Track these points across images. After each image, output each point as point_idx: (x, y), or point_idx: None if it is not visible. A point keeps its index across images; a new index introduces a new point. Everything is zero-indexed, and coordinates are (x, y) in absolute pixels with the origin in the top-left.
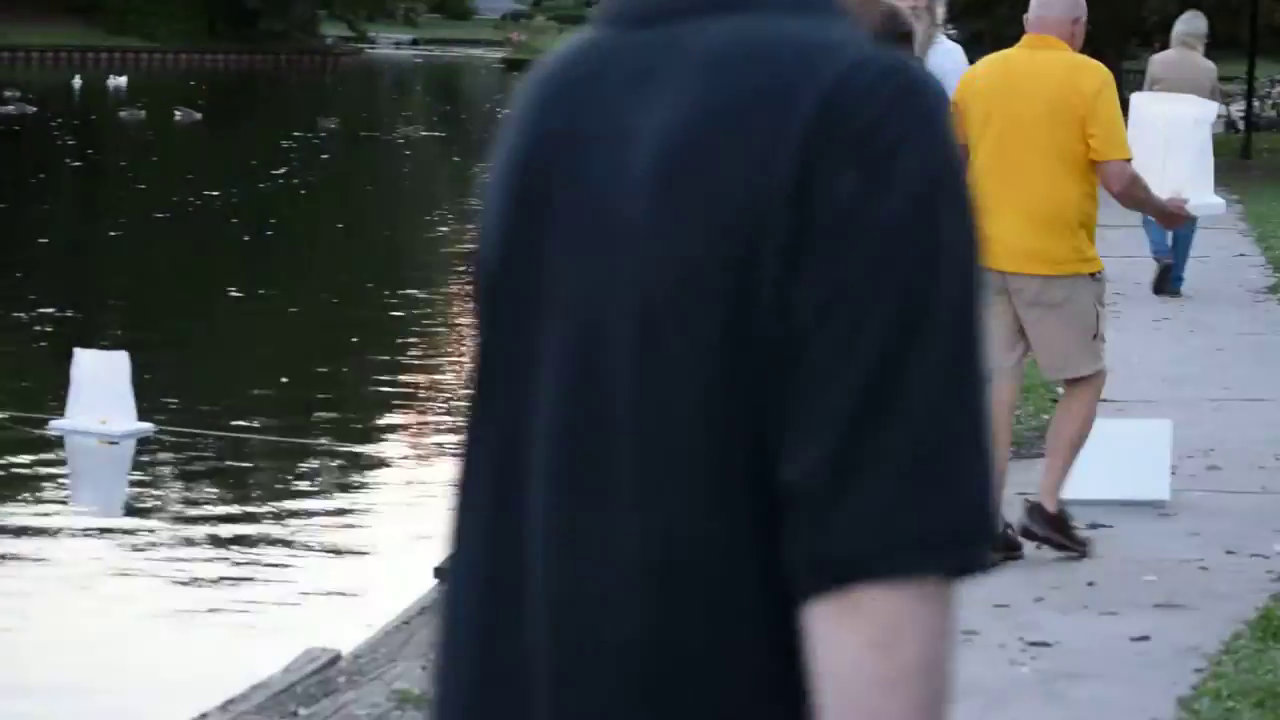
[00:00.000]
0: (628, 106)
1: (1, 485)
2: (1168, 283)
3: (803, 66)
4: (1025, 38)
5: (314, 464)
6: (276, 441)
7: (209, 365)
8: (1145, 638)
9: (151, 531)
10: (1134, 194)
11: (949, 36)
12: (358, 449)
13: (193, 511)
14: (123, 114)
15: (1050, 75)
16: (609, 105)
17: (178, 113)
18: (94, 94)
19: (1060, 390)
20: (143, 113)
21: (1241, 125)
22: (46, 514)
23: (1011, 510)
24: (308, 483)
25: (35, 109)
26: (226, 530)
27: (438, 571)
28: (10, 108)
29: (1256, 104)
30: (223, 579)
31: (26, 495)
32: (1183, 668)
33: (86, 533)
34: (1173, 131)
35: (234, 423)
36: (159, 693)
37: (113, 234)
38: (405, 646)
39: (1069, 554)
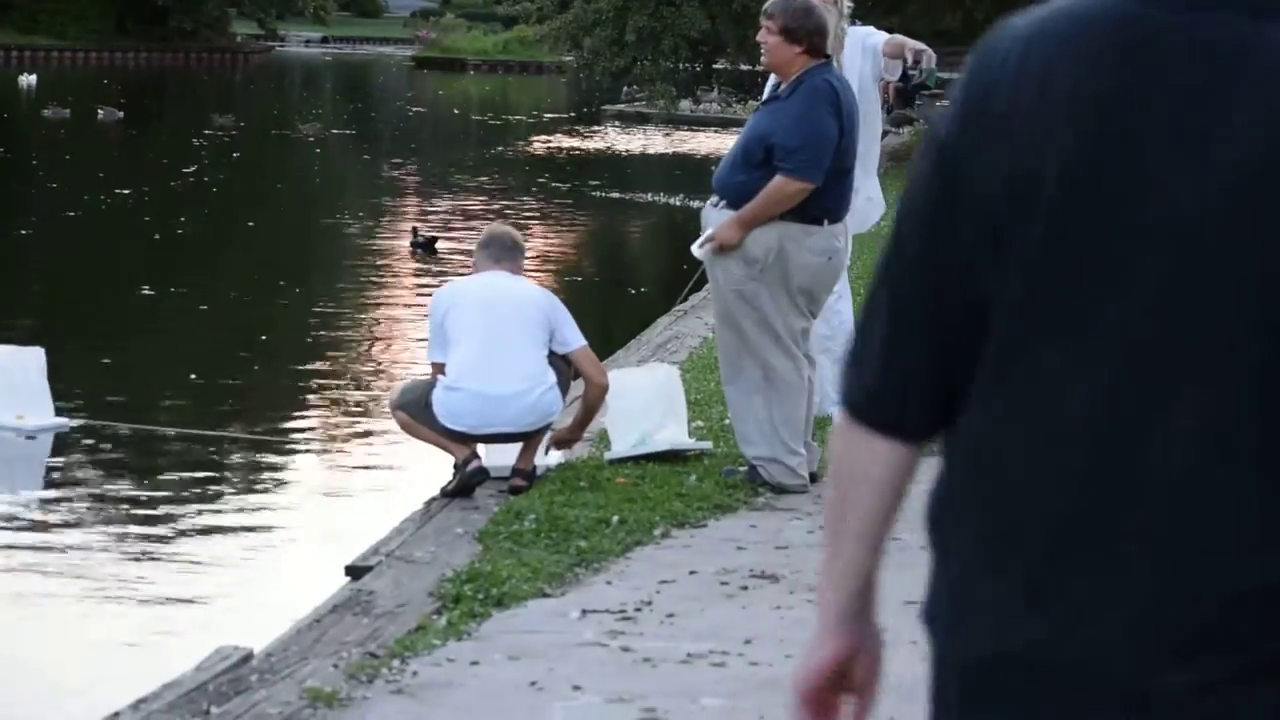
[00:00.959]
0: (1196, 101)
1: None
2: None
3: None
4: None
5: (226, 461)
6: (189, 438)
7: (122, 362)
8: None
9: (65, 527)
10: None
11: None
12: (269, 446)
13: (106, 508)
14: (47, 112)
15: None
16: (1175, 94)
17: (100, 111)
18: (7, 92)
19: None
20: (67, 111)
21: None
22: None
23: None
24: (220, 480)
25: None
26: (139, 527)
27: (349, 569)
28: None
29: None
30: (135, 576)
31: None
32: None
33: (0, 528)
34: None
35: (147, 419)
36: (69, 691)
37: (24, 232)
38: (317, 644)
39: None
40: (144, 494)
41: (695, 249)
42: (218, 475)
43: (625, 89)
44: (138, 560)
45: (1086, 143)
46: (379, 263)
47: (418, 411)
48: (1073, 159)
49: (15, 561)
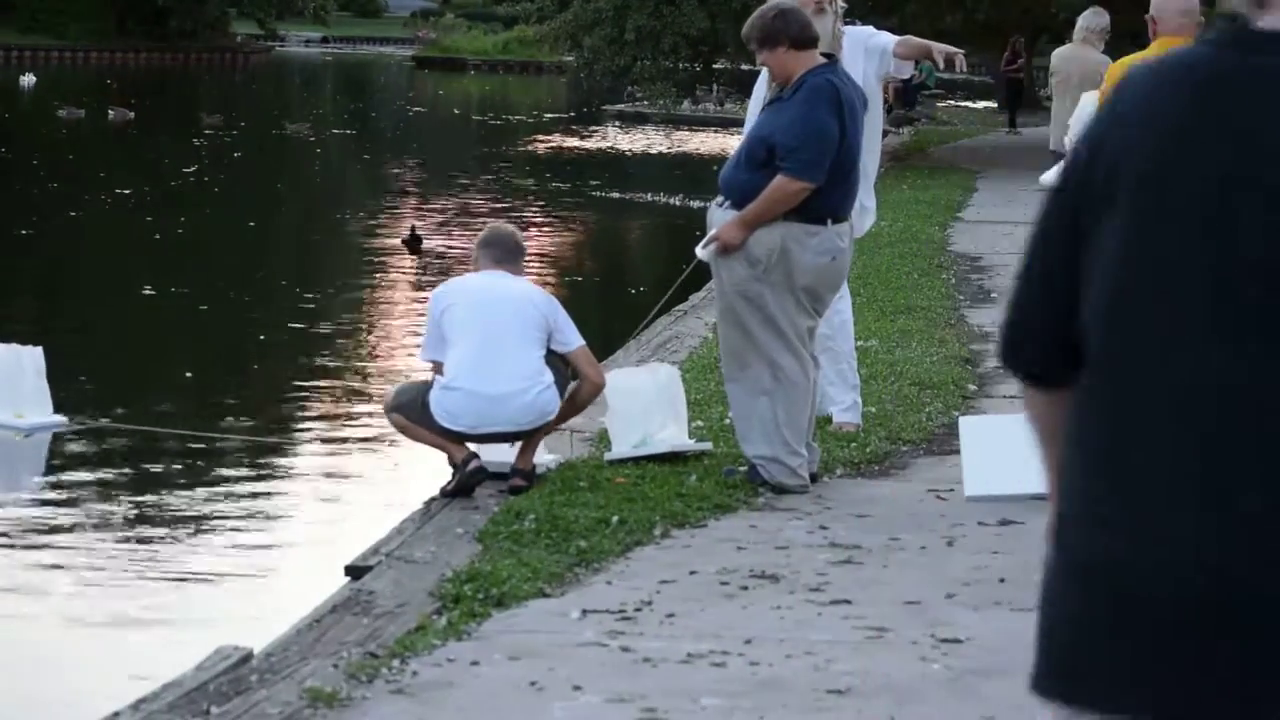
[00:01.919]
0: (1248, 130)
1: None
2: None
3: None
4: (1175, 41)
5: (225, 461)
6: (189, 437)
7: (122, 362)
8: None
9: (64, 527)
10: None
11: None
12: (270, 446)
13: (105, 507)
14: (61, 113)
15: None
16: (1225, 123)
17: (111, 112)
18: (8, 93)
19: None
20: (82, 111)
21: None
22: None
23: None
24: (219, 480)
25: None
26: (138, 527)
27: (349, 570)
28: None
29: None
30: (134, 576)
31: None
32: None
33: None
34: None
35: (147, 419)
36: (69, 692)
37: (25, 232)
38: (317, 644)
39: None
40: (143, 494)
41: (699, 250)
42: (217, 475)
43: (626, 89)
44: (137, 560)
45: (1158, 149)
46: (379, 263)
47: (413, 413)
48: (1145, 164)
49: (14, 561)
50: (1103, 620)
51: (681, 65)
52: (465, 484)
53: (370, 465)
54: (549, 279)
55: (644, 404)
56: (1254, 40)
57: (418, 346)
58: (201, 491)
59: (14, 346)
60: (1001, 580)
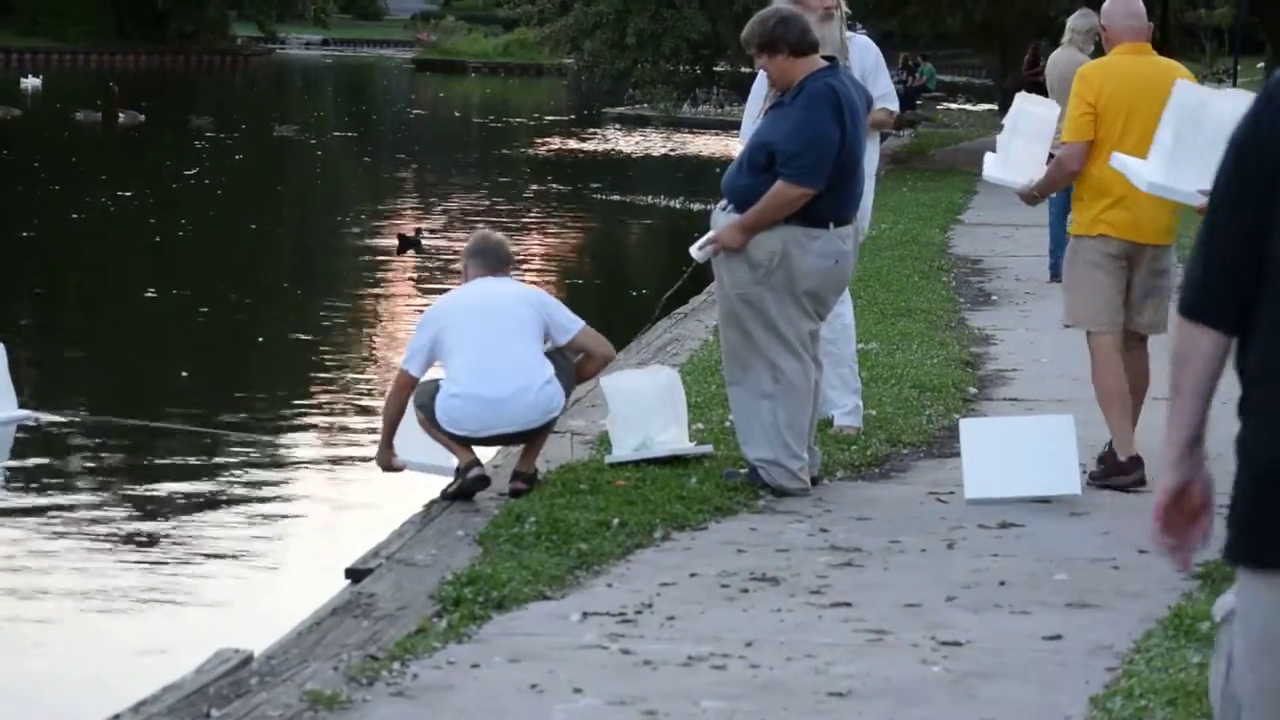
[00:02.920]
0: None
1: None
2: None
3: None
4: (1128, 45)
5: (226, 463)
6: (191, 436)
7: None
8: (1057, 636)
9: (64, 529)
10: None
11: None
12: (270, 448)
13: (105, 509)
14: (79, 115)
15: (1166, 76)
16: None
17: (121, 115)
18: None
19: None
20: (99, 115)
21: None
22: None
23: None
24: (220, 482)
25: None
26: (138, 527)
27: (349, 572)
28: None
29: None
30: (135, 578)
31: None
32: (1095, 667)
33: None
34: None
35: (146, 418)
36: (69, 695)
37: (25, 234)
38: (317, 647)
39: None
40: (143, 495)
41: (694, 250)
42: (218, 477)
43: (627, 92)
44: (137, 562)
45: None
46: (380, 265)
47: (430, 413)
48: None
49: (14, 564)
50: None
51: (682, 68)
52: (465, 489)
53: (371, 467)
54: (550, 281)
55: (645, 407)
56: None
57: None
58: (202, 493)
59: None
60: (1002, 583)
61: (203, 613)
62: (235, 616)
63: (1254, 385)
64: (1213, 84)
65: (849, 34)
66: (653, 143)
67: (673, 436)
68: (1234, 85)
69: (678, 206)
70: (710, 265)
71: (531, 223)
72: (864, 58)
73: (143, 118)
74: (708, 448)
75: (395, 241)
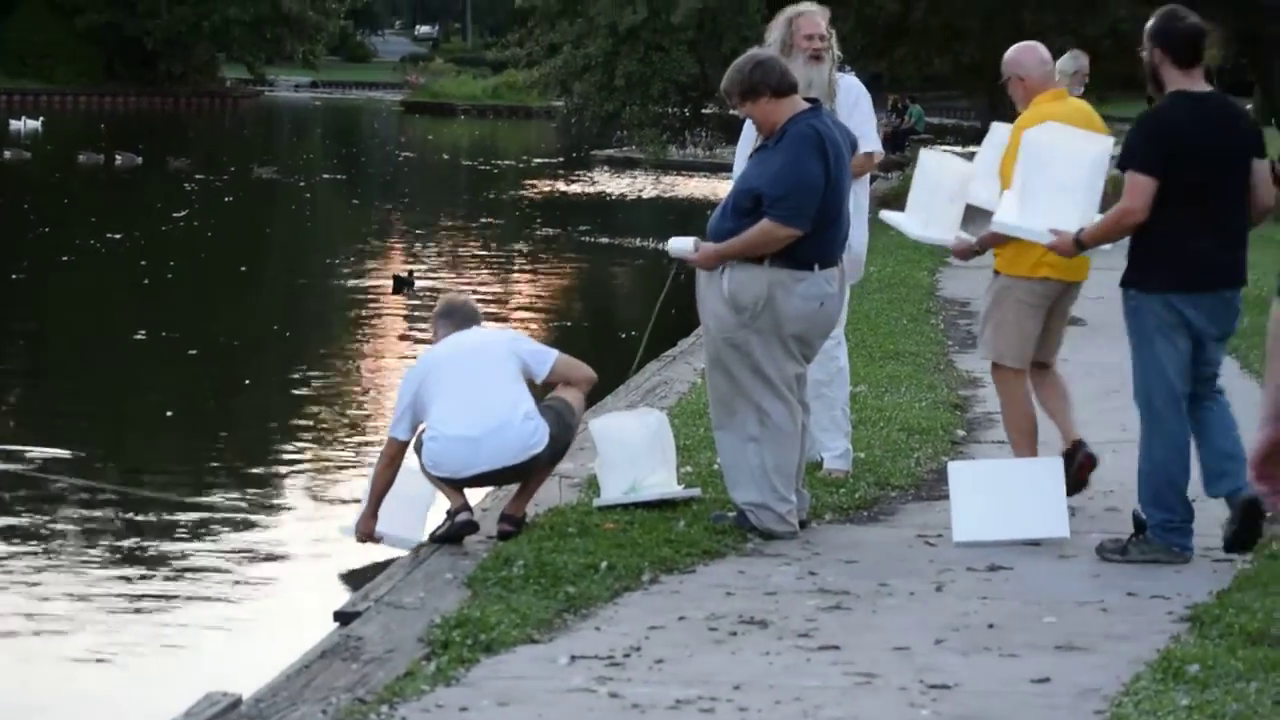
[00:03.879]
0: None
1: None
2: None
3: None
4: (1051, 93)
5: (214, 505)
6: (176, 482)
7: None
8: (1046, 679)
9: (52, 572)
10: None
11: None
12: (259, 491)
13: (93, 552)
14: (81, 158)
15: (1091, 117)
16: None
17: (119, 157)
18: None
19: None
20: (101, 157)
21: None
22: None
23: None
24: (208, 524)
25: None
26: (125, 571)
27: (338, 615)
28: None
29: None
30: (123, 622)
31: None
32: (1084, 709)
33: None
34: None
35: (135, 462)
36: None
37: (15, 276)
38: (306, 690)
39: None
40: (132, 538)
41: (671, 242)
42: (206, 519)
43: (616, 134)
44: (124, 606)
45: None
46: (368, 308)
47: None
48: None
49: (2, 609)
50: None
51: (671, 110)
52: (453, 534)
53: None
54: (538, 324)
55: (633, 450)
56: None
57: None
58: (190, 536)
59: None
60: (990, 626)
61: (191, 656)
62: (223, 659)
63: None
64: None
65: (836, 74)
66: (641, 185)
67: (661, 480)
68: None
69: (666, 249)
70: (696, 304)
71: (521, 265)
72: (844, 99)
73: (140, 160)
74: (696, 491)
75: (385, 283)
